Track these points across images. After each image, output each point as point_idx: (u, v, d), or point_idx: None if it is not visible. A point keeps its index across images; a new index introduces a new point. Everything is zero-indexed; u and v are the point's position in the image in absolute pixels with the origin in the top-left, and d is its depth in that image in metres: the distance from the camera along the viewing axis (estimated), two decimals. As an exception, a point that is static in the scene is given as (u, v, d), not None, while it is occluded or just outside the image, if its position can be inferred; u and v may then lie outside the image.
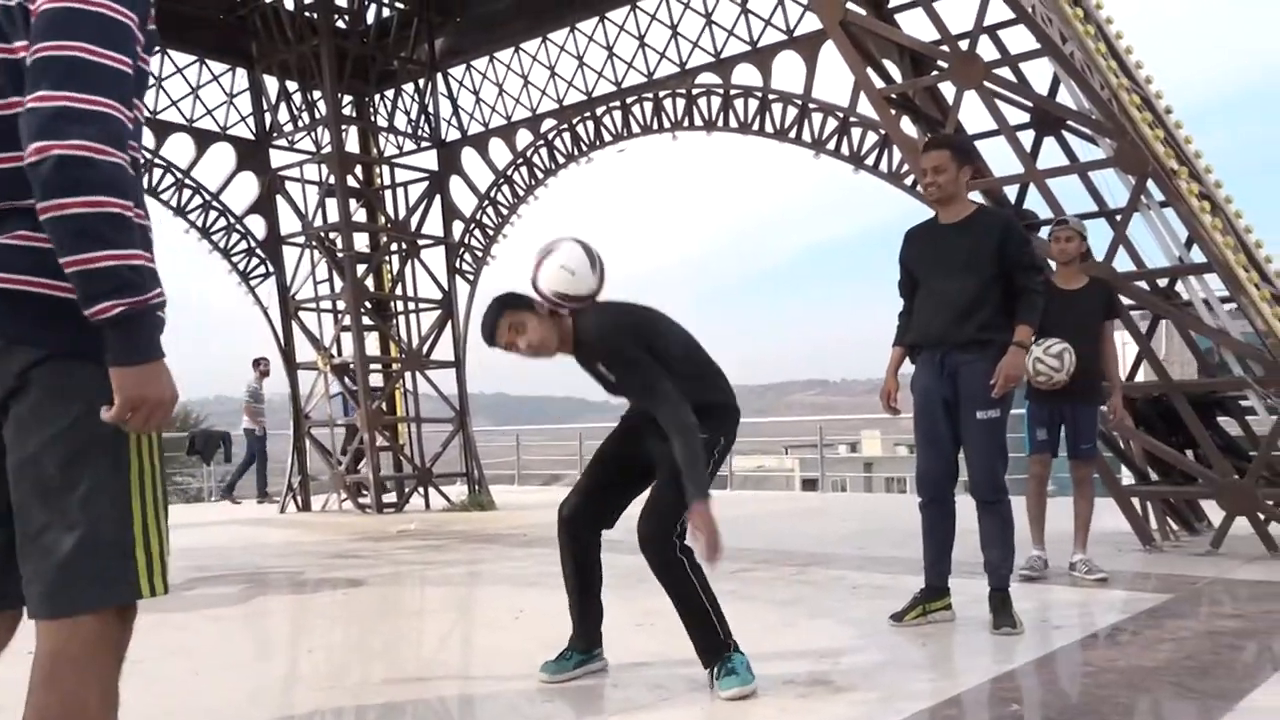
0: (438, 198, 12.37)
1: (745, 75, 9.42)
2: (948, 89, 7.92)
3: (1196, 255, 6.60)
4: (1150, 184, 6.40)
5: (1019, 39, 7.41)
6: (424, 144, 12.38)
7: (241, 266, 12.07)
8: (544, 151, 11.26)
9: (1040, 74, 7.31)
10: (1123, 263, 6.75)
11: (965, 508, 4.46)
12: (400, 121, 12.34)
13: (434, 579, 6.62)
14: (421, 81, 12.15)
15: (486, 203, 11.96)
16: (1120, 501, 6.94)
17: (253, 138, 12.13)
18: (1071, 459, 5.80)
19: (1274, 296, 6.41)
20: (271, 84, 11.98)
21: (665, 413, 3.21)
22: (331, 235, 11.78)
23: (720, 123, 9.58)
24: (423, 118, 12.29)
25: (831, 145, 8.90)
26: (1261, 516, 6.43)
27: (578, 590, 3.55)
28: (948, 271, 4.29)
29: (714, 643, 3.34)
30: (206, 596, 5.94)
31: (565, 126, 10.95)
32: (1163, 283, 7.10)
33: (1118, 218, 7.43)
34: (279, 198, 12.12)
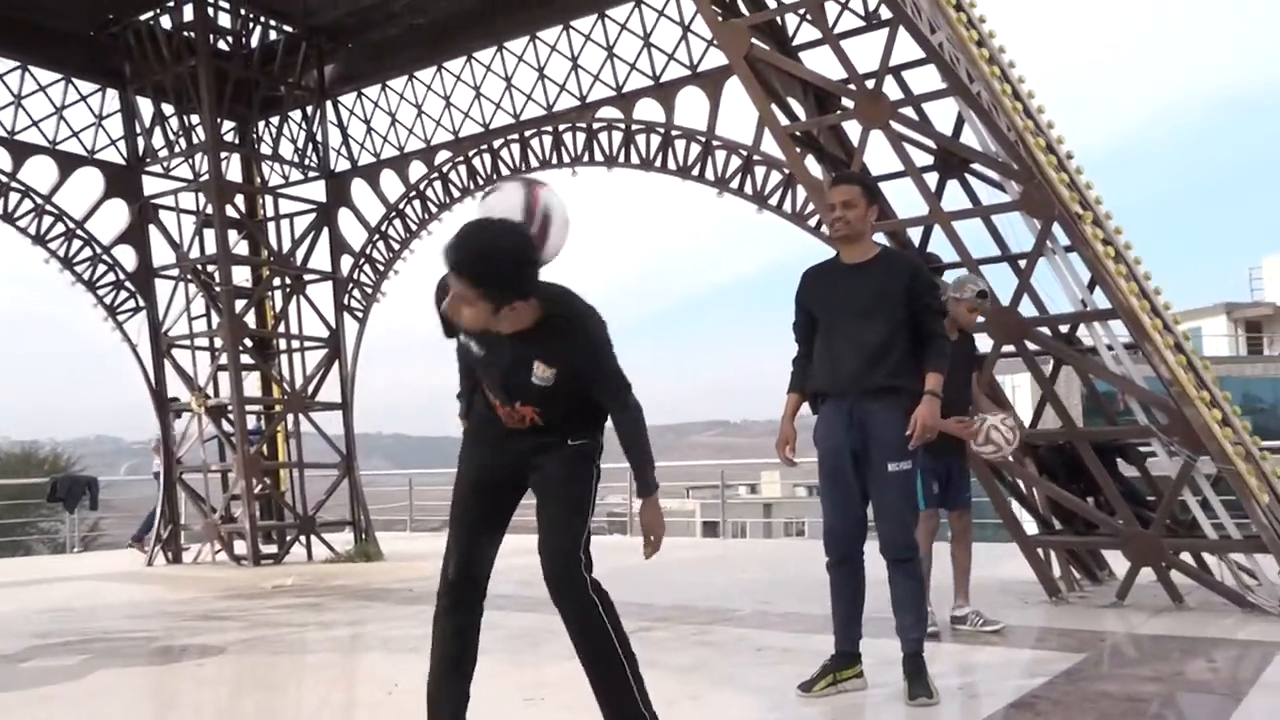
0: (325, 231, 11.80)
1: (648, 110, 9.19)
2: (852, 128, 7.81)
3: (1099, 300, 6.55)
4: (1054, 228, 6.32)
5: (923, 80, 7.35)
6: (311, 174, 11.81)
7: (108, 300, 11.25)
8: (438, 184, 10.82)
9: (944, 116, 7.23)
10: (1025, 307, 6.66)
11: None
12: (286, 150, 11.75)
13: (306, 645, 6.03)
14: (309, 109, 11.60)
15: (377, 237, 11.44)
16: (1026, 551, 6.78)
17: (124, 163, 11.37)
18: (953, 510, 5.64)
19: (1175, 344, 6.36)
20: (145, 106, 11.27)
21: (629, 400, 2.93)
22: (209, 268, 11.12)
23: (621, 158, 9.30)
24: (310, 146, 11.73)
25: (735, 184, 8.69)
26: (1166, 567, 6.34)
27: (449, 671, 3.06)
28: (853, 315, 4.02)
29: (630, 713, 2.86)
30: (42, 670, 5.25)
31: (461, 159, 10.54)
32: (1064, 328, 7.04)
33: (1020, 262, 7.39)
34: (151, 227, 11.38)
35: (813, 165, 7.43)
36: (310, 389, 11.67)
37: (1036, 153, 6.14)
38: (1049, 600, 6.66)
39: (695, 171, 8.89)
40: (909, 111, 6.66)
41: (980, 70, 6.22)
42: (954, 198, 7.31)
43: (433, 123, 10.79)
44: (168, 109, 11.19)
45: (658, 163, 9.07)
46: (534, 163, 9.94)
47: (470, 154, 10.43)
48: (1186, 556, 6.37)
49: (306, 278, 11.76)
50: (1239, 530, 6.30)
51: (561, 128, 9.72)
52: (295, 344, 11.69)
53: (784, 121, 7.18)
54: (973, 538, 5.80)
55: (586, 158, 9.52)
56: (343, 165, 11.70)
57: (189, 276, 11.17)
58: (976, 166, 7.48)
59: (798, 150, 7.02)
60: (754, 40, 7.08)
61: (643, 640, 5.59)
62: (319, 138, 11.70)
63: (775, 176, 8.55)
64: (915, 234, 7.62)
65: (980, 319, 5.57)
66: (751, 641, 5.55)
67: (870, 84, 6.66)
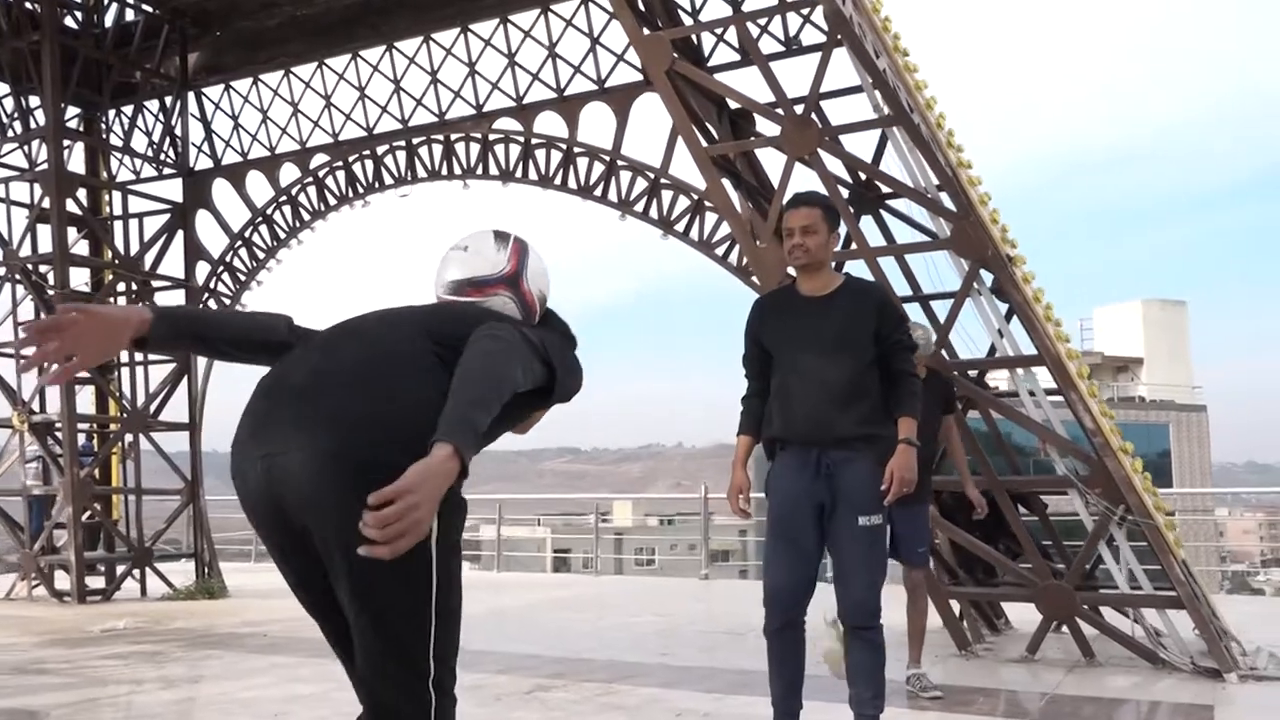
0: (180, 234, 10.75)
1: (549, 124, 8.66)
2: (767, 156, 7.51)
3: (1012, 346, 6.38)
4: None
5: (842, 111, 7.10)
6: (167, 171, 10.77)
7: (-82, 297, 9.90)
8: (312, 190, 9.97)
9: (859, 149, 6.98)
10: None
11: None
12: (139, 143, 10.69)
13: (139, 710, 5.15)
14: (169, 99, 10.56)
15: (240, 243, 10.47)
16: (939, 603, 6.52)
17: (-56, 144, 10.09)
18: (906, 564, 5.31)
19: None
20: (-25, 83, 10.04)
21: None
22: (42, 268, 9.93)
23: (519, 173, 8.74)
24: (167, 141, 10.68)
25: (640, 207, 8.25)
26: (1080, 622, 6.18)
27: None
28: (817, 353, 3.62)
29: None
30: None
31: (339, 164, 9.74)
32: (972, 372, 6.87)
33: (933, 303, 7.21)
34: (-25, 219, 10.09)
35: (729, 192, 7.07)
36: (153, 407, 10.57)
37: (969, 190, 5.92)
38: (959, 654, 6.44)
39: (598, 192, 8.40)
40: (843, 140, 6.36)
41: (917, 100, 5.98)
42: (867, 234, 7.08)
43: (309, 123, 9.96)
44: (2, 88, 10.00)
45: (558, 180, 8.55)
46: (422, 173, 9.26)
47: (350, 159, 9.65)
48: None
49: (156, 284, 10.72)
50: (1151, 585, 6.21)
51: (454, 137, 9.07)
52: (139, 358, 10.56)
53: (704, 144, 6.79)
54: (926, 596, 5.50)
55: (480, 170, 8.90)
56: (204, 163, 10.71)
57: (17, 277, 9.97)
58: (892, 203, 7.30)
59: (718, 174, 6.63)
60: (675, 56, 6.68)
61: (542, 702, 5.05)
62: (178, 131, 10.68)
63: (683, 201, 8.15)
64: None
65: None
66: (666, 704, 5.07)
67: (799, 109, 6.34)
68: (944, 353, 6.20)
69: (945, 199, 6.11)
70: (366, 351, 1.86)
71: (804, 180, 6.84)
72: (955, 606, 6.71)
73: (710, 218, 8.08)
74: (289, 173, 10.10)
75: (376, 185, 9.51)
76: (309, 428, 1.73)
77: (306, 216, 10.02)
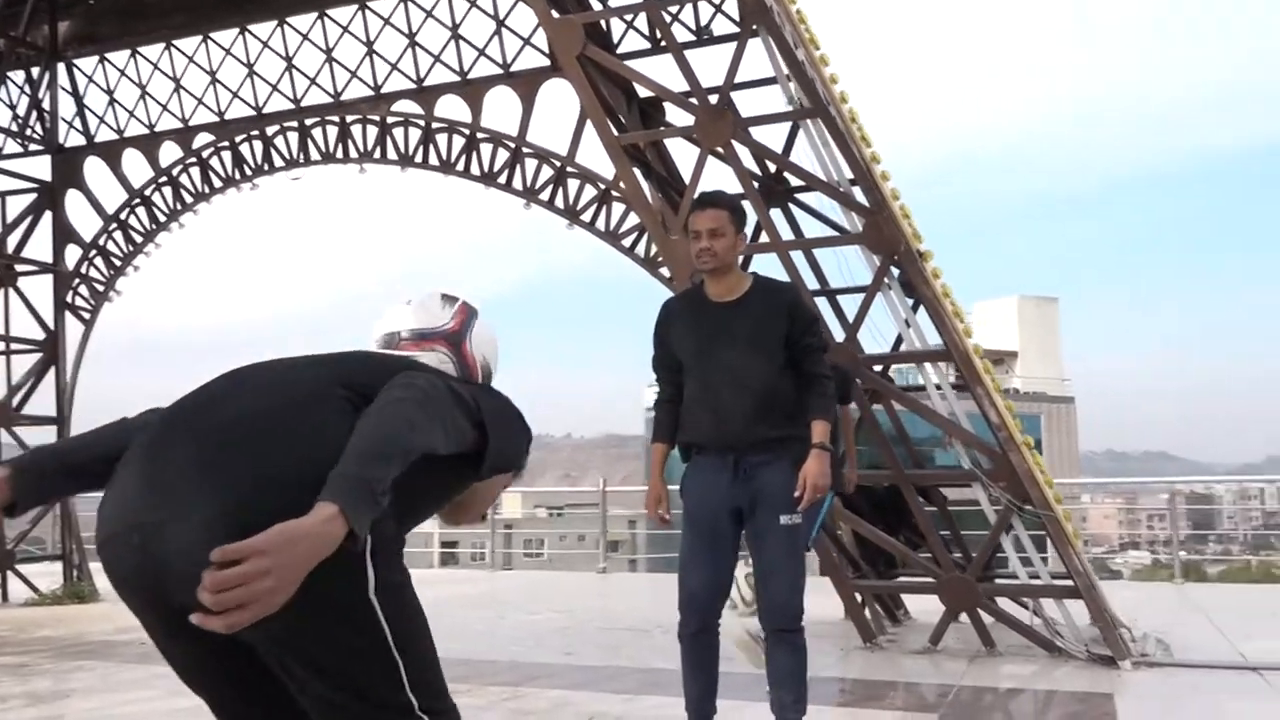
0: (48, 214, 10.04)
1: (451, 108, 8.38)
2: (677, 147, 7.42)
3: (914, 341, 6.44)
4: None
5: (752, 103, 7.04)
6: (33, 147, 10.06)
7: None
8: (195, 171, 9.43)
9: (768, 142, 6.94)
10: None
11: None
12: (3, 116, 9.92)
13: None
14: (35, 70, 9.85)
15: (115, 226, 9.85)
16: (845, 594, 6.57)
17: None
18: None
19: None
20: None
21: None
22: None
23: (419, 158, 8.42)
24: (34, 114, 9.96)
25: (545, 196, 8.05)
26: (979, 612, 6.29)
27: None
28: (731, 358, 3.58)
29: None
30: None
31: (226, 144, 9.24)
32: (877, 367, 6.92)
33: (839, 298, 7.24)
34: None
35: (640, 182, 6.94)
36: (16, 400, 9.88)
37: (882, 185, 5.94)
38: (865, 646, 6.48)
39: (502, 179, 8.17)
40: (751, 132, 6.29)
41: (832, 94, 5.96)
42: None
43: (193, 100, 9.42)
44: None
45: (460, 166, 8.27)
46: (315, 155, 8.85)
47: (238, 139, 9.15)
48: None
49: (19, 268, 10.00)
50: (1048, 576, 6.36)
51: (350, 119, 8.69)
52: (0, 346, 9.88)
53: (615, 132, 6.65)
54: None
55: (378, 154, 8.55)
56: (75, 140, 10.03)
57: None
58: (801, 197, 7.31)
59: (629, 164, 6.50)
60: (586, 41, 6.52)
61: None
62: (46, 105, 9.97)
63: (590, 191, 7.99)
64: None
65: None
66: (576, 707, 4.95)
67: (713, 100, 6.25)
68: (854, 346, 6.22)
69: (858, 194, 6.12)
70: (265, 401, 1.57)
71: (717, 171, 6.79)
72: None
73: (617, 208, 7.95)
74: (170, 152, 9.54)
75: (266, 167, 9.06)
76: (198, 491, 1.44)
77: (189, 198, 9.48)
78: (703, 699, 3.64)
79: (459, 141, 8.31)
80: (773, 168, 7.13)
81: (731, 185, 6.68)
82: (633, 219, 7.84)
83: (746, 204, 6.45)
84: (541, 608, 8.95)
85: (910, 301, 6.48)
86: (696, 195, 4.56)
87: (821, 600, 6.50)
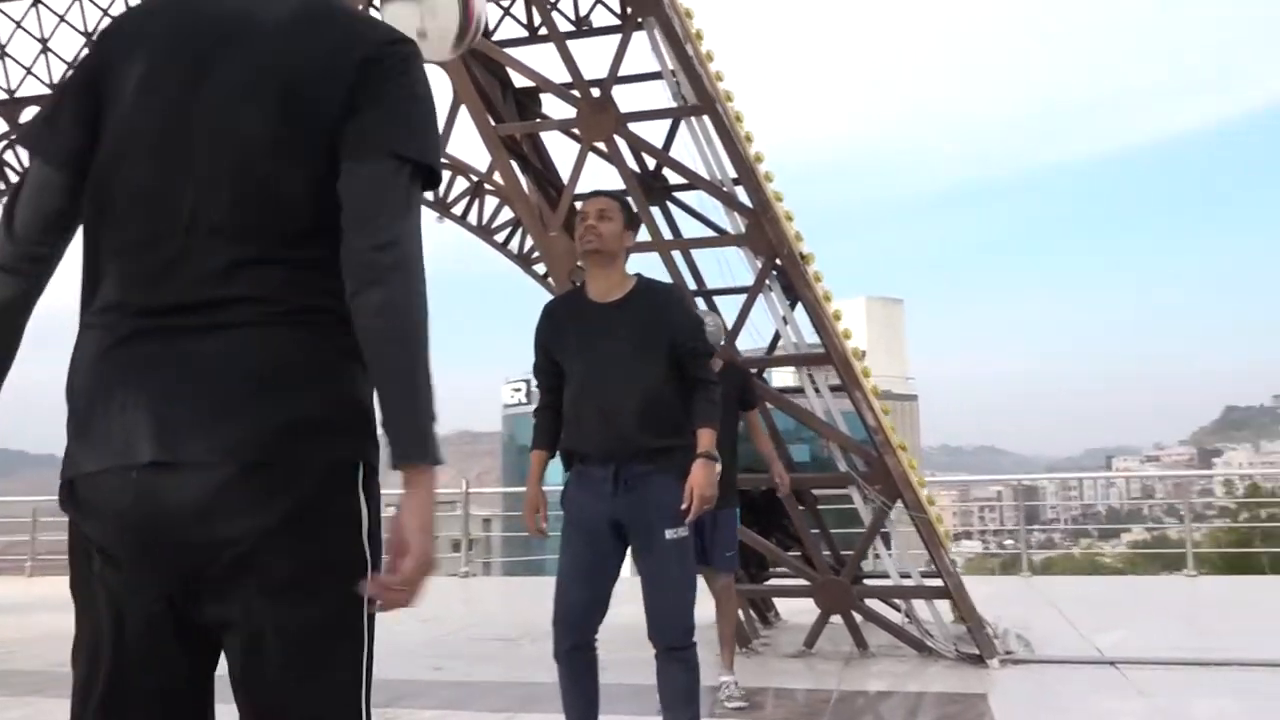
0: None
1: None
2: (554, 142, 7.21)
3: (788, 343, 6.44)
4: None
5: (636, 98, 6.88)
6: None
7: None
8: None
9: (647, 139, 6.79)
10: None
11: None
12: None
13: None
14: None
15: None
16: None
17: None
18: (714, 570, 5.22)
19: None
20: None
21: None
22: None
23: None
24: None
25: (414, 186, 7.67)
26: (856, 616, 6.34)
27: None
28: (612, 362, 3.43)
29: None
30: None
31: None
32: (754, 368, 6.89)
33: (716, 298, 7.18)
34: None
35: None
36: None
37: (766, 186, 5.88)
38: (741, 651, 6.43)
39: (367, 167, 7.75)
40: (635, 128, 6.14)
41: (718, 91, 5.86)
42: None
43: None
44: None
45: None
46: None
47: None
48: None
49: None
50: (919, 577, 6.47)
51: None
52: None
53: (492, 122, 6.38)
54: (735, 601, 5.41)
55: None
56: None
57: None
58: (680, 195, 7.20)
59: (507, 156, 6.25)
60: (462, 25, 6.21)
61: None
62: None
63: (460, 184, 7.67)
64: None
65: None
66: (453, 728, 4.69)
67: (595, 93, 6.07)
68: (733, 349, 6.15)
69: (741, 195, 6.04)
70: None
71: (596, 167, 6.61)
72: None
73: (490, 202, 7.66)
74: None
75: None
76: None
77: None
78: (586, 716, 3.48)
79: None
80: (652, 165, 7.00)
81: (612, 181, 6.52)
82: (506, 214, 7.57)
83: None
84: (403, 616, 8.55)
85: (789, 302, 6.46)
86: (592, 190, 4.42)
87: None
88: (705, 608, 5.25)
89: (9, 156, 8.66)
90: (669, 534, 3.37)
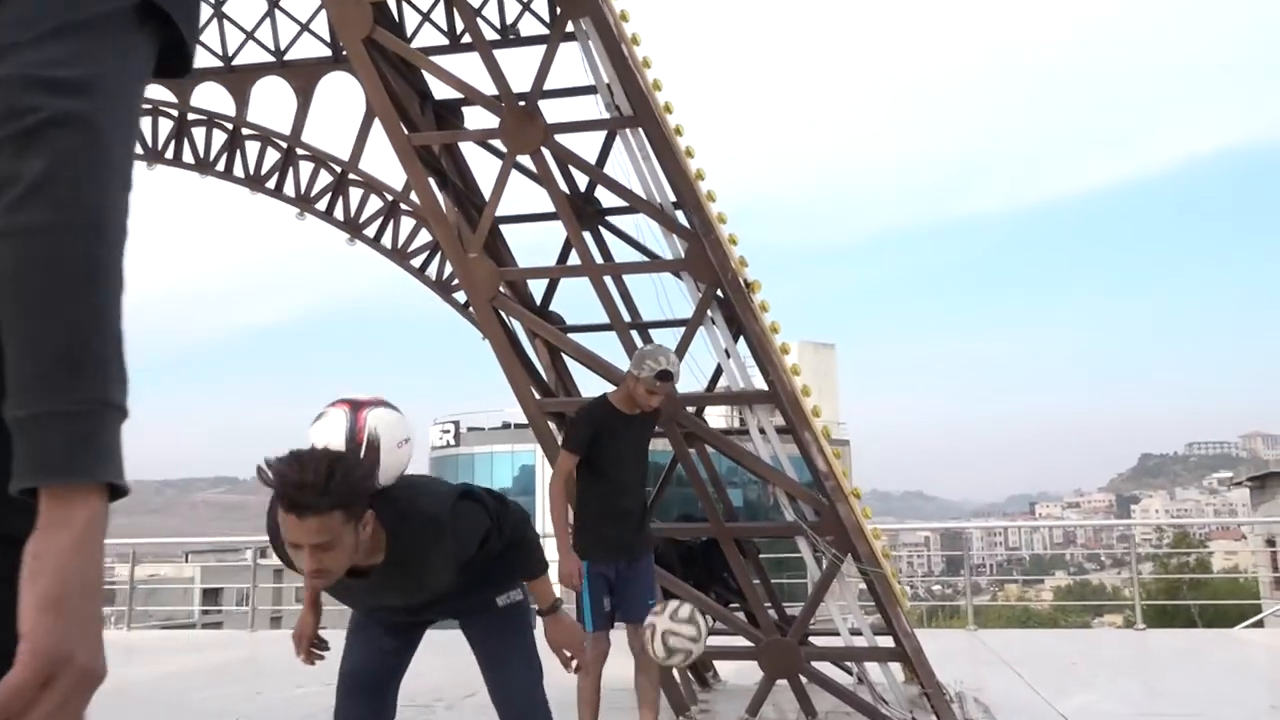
0: None
1: (212, 98, 7.20)
2: (476, 158, 6.62)
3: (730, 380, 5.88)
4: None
5: (564, 115, 6.33)
6: None
7: None
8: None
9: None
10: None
11: None
12: None
13: None
14: None
15: None
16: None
17: None
18: (633, 623, 4.61)
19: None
20: None
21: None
22: None
23: (170, 154, 7.19)
24: None
25: (323, 205, 7.02)
26: (804, 679, 5.74)
27: None
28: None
29: None
30: None
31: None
32: (692, 406, 6.32)
33: (651, 330, 6.63)
34: None
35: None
36: None
37: (708, 205, 5.35)
38: (678, 719, 5.82)
39: (271, 184, 7.07)
40: (564, 140, 5.57)
41: (655, 102, 5.33)
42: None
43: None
44: None
45: (220, 166, 7.11)
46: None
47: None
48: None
49: None
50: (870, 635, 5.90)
51: (85, 103, 7.34)
52: None
53: (405, 131, 5.76)
54: None
55: (119, 147, 7.24)
56: None
57: None
58: (614, 221, 6.66)
59: (422, 169, 5.63)
60: (375, 24, 5.62)
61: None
62: None
63: (375, 202, 7.03)
64: (538, 288, 6.56)
65: (655, 402, 4.56)
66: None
67: (522, 104, 5.49)
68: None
69: (681, 218, 5.51)
70: None
71: (524, 188, 6.03)
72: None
73: (406, 224, 7.03)
74: None
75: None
76: None
77: None
78: None
79: (220, 137, 7.15)
80: (583, 184, 6.44)
81: (539, 203, 5.95)
82: (424, 237, 6.94)
83: (557, 223, 5.76)
84: (309, 678, 7.75)
85: (732, 334, 5.92)
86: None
87: (622, 662, 5.79)
88: (626, 665, 4.69)
89: None
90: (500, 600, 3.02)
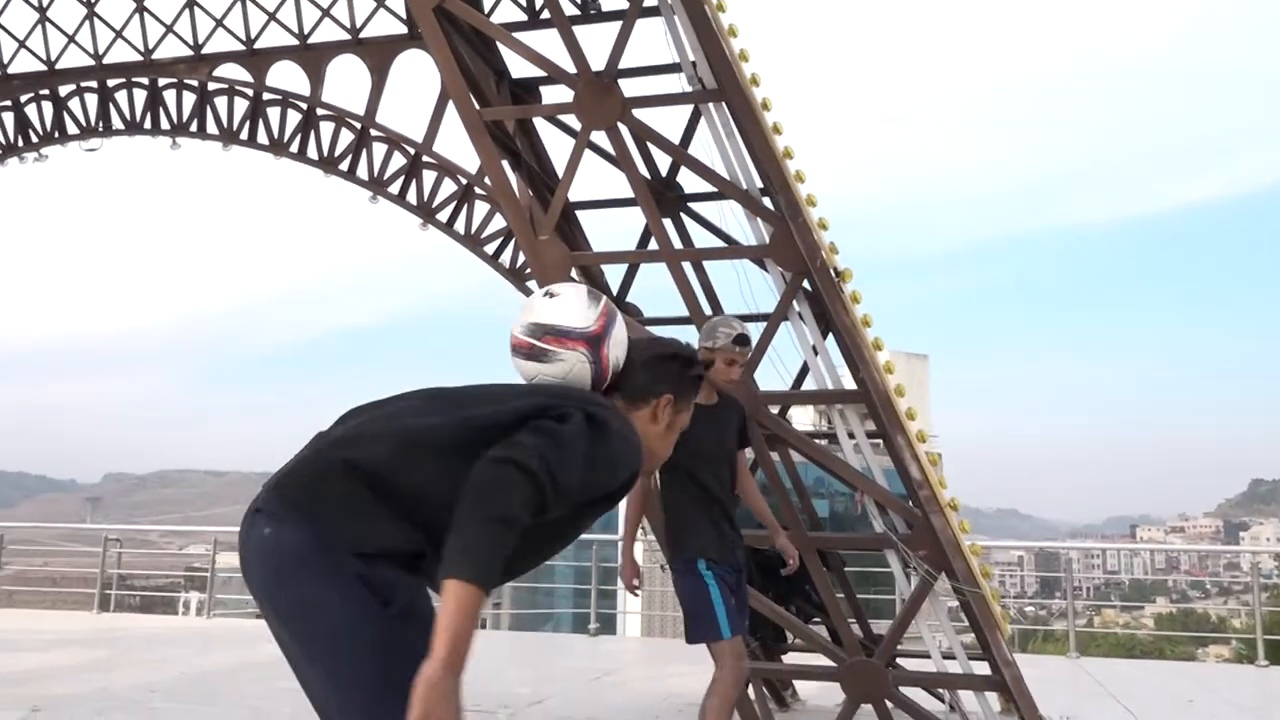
0: None
1: (287, 77, 7.05)
2: (551, 138, 6.31)
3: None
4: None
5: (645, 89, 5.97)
6: None
7: None
8: (-30, 134, 7.80)
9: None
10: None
11: None
12: None
13: None
14: None
15: None
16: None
17: None
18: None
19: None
20: None
21: None
22: None
23: (245, 135, 7.05)
24: None
25: (395, 188, 6.78)
26: (889, 705, 5.26)
27: None
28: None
29: None
30: None
31: (8, 103, 7.65)
32: (774, 408, 5.88)
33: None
34: None
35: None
36: None
37: (796, 186, 4.92)
38: (752, 743, 5.39)
39: (344, 165, 6.87)
40: (644, 119, 5.19)
41: (742, 74, 4.92)
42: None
43: (-30, 49, 7.81)
44: None
45: (294, 147, 6.95)
46: (118, 123, 7.36)
47: (22, 99, 7.58)
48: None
49: None
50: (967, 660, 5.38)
51: (163, 82, 7.25)
52: None
53: (477, 106, 5.47)
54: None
55: (195, 127, 7.14)
56: None
57: None
58: (696, 207, 6.27)
59: (494, 147, 5.32)
60: (450, -5, 5.33)
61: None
62: None
63: (449, 186, 6.77)
64: (614, 277, 6.21)
65: (735, 370, 4.19)
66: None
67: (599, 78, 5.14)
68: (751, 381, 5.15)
69: (767, 203, 5.09)
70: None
71: (597, 167, 5.69)
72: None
73: (480, 209, 6.75)
74: (-62, 109, 7.89)
75: (56, 134, 7.50)
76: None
77: (-40, 168, 7.83)
78: None
79: (294, 117, 6.98)
80: (663, 169, 6.08)
81: (618, 188, 5.60)
82: (497, 223, 6.65)
83: (636, 209, 5.41)
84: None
85: (820, 332, 5.47)
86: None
87: (684, 669, 5.37)
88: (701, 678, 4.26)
89: None
90: None
